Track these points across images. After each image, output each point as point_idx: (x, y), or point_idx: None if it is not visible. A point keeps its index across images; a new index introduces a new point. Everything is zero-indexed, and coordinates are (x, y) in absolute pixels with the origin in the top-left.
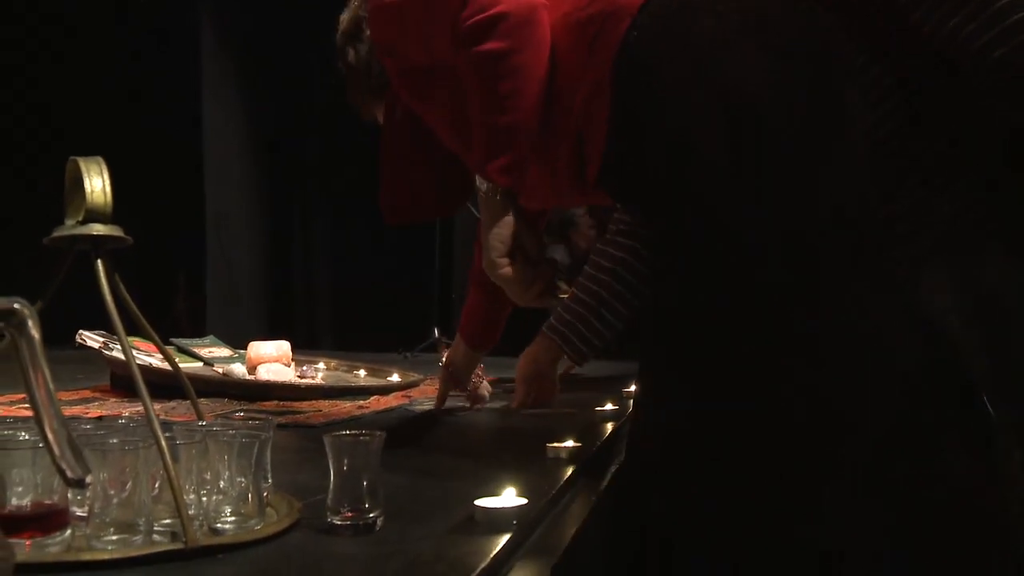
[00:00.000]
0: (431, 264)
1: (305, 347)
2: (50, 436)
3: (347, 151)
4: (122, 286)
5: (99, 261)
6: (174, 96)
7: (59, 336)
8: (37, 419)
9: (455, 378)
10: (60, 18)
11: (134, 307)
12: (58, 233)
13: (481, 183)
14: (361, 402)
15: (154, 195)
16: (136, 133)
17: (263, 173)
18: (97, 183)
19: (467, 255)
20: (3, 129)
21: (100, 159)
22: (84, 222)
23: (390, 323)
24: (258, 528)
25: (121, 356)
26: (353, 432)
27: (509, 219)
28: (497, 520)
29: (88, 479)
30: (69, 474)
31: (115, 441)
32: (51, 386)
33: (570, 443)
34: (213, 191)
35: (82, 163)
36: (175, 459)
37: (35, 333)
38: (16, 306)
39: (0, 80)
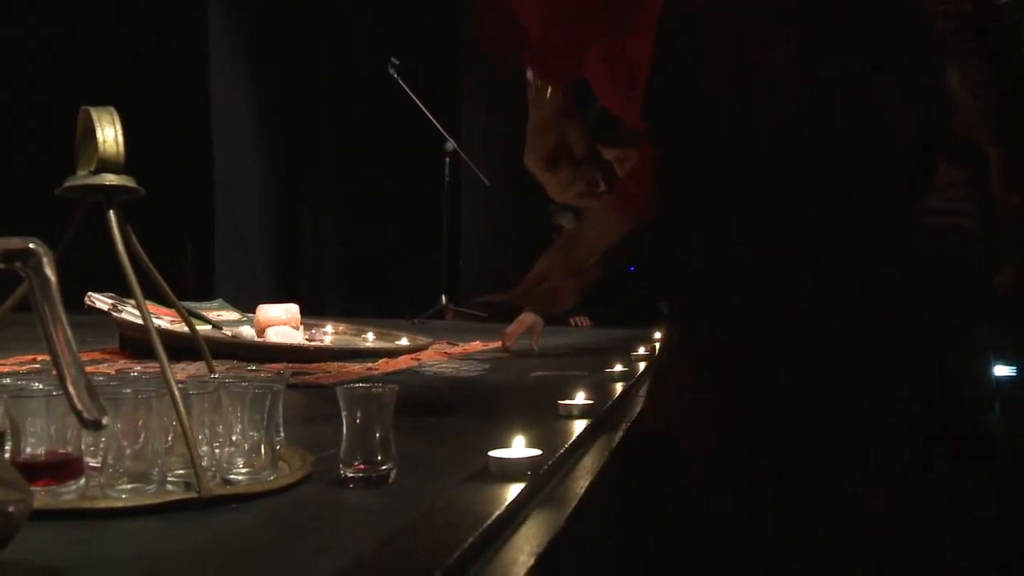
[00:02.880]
0: (439, 231)
1: (313, 314)
2: (67, 377)
3: (360, 116)
4: (135, 238)
5: (111, 212)
6: (182, 63)
7: (68, 300)
8: (54, 360)
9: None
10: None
11: (146, 259)
12: (70, 183)
13: (531, 76)
14: (370, 364)
15: (162, 161)
16: (144, 96)
17: (273, 142)
18: (109, 133)
19: (474, 222)
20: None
21: (112, 109)
22: (96, 172)
23: (398, 289)
24: (271, 479)
25: (131, 318)
26: (366, 384)
27: (554, 119)
28: (511, 470)
29: (105, 420)
30: (86, 415)
31: (128, 391)
32: (67, 328)
33: (582, 399)
34: (222, 158)
35: (94, 113)
36: (188, 411)
37: (51, 274)
38: (32, 246)
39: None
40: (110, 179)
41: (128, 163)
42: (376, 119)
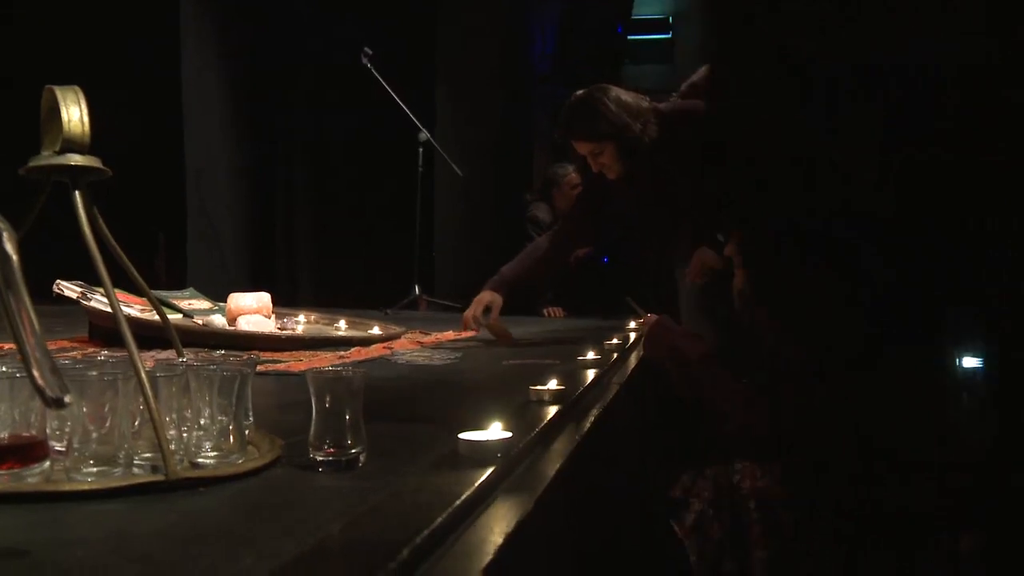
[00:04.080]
0: (412, 221)
1: (285, 304)
2: (29, 355)
3: (332, 106)
4: (101, 221)
5: (77, 193)
6: (152, 49)
7: (36, 289)
8: (16, 339)
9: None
10: None
11: (114, 242)
12: (34, 163)
13: None
14: (342, 352)
15: (132, 148)
16: (112, 80)
17: (244, 127)
18: (74, 112)
19: (448, 212)
20: None
21: (77, 88)
22: (61, 152)
23: (371, 279)
24: (239, 463)
25: (100, 307)
26: (335, 368)
27: None
28: (482, 452)
29: (67, 399)
30: (48, 393)
31: (94, 374)
32: (30, 306)
33: (553, 385)
34: (193, 146)
35: (58, 92)
36: (155, 394)
37: (12, 251)
38: None
39: None
40: (75, 159)
41: (96, 148)
42: (349, 109)
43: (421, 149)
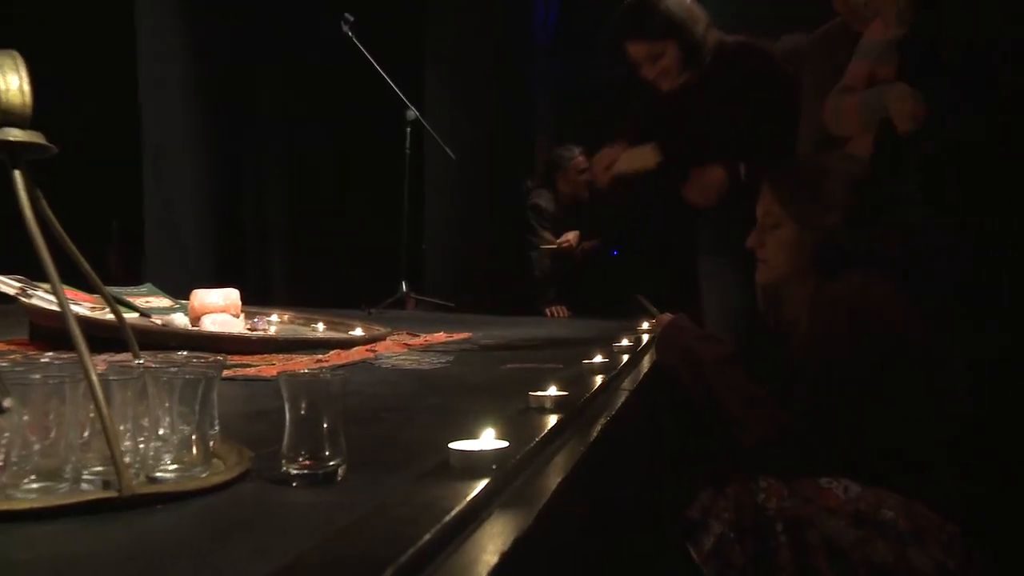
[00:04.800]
0: (399, 210)
1: (256, 301)
2: None
3: (307, 82)
4: (45, 203)
5: (17, 172)
6: (104, 9)
7: None
8: None
9: None
10: None
11: (60, 229)
12: None
13: None
14: (320, 356)
15: (82, 123)
16: (58, 45)
17: (209, 101)
18: (13, 80)
19: (439, 200)
20: None
21: (15, 53)
22: None
23: (353, 275)
24: (203, 477)
25: (43, 304)
26: (312, 371)
27: None
28: (475, 463)
29: (7, 403)
30: None
31: (37, 377)
32: None
33: (554, 391)
34: (151, 122)
35: None
36: (108, 400)
37: None
38: None
39: None
40: (14, 134)
41: (40, 122)
42: (328, 83)
43: (409, 129)
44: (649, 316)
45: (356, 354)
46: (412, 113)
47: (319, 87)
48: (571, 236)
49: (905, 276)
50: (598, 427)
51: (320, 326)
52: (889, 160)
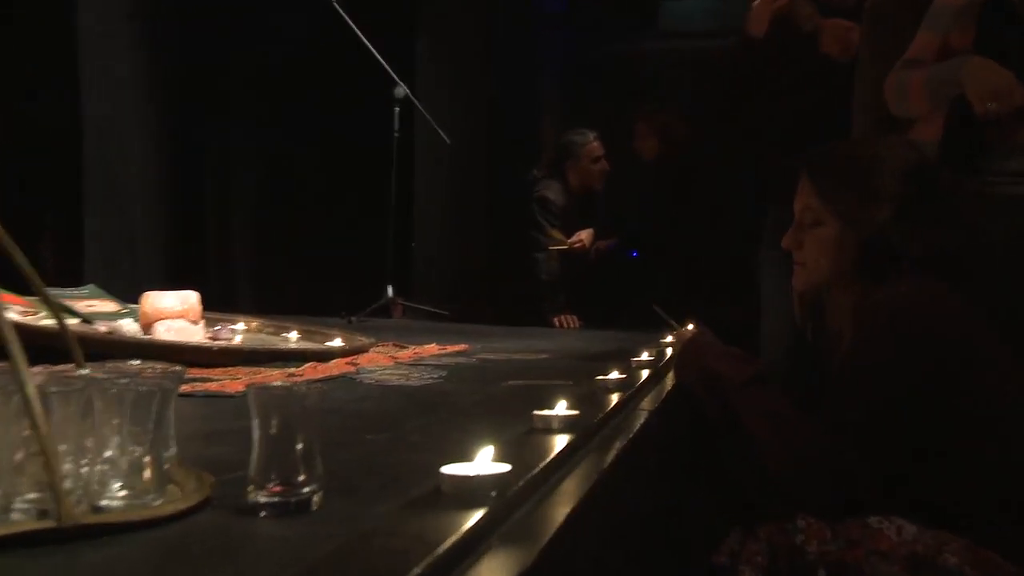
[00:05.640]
0: (386, 202)
1: (220, 306)
2: None
3: (282, 54)
4: None
5: None
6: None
7: None
8: None
9: None
10: None
11: None
12: None
13: None
14: (293, 369)
15: (11, 97)
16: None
17: (165, 74)
18: None
19: (431, 192)
20: None
21: None
22: None
23: (332, 277)
24: (157, 505)
25: None
26: (285, 384)
27: None
28: (471, 490)
29: None
30: None
31: None
32: None
33: (563, 410)
34: (93, 99)
35: None
36: (47, 417)
37: None
38: None
39: None
40: None
41: None
42: (307, 55)
43: (397, 109)
44: (670, 328)
45: (335, 367)
46: (401, 90)
47: (294, 70)
48: (584, 235)
49: (967, 281)
50: (613, 452)
51: (293, 335)
52: (964, 146)
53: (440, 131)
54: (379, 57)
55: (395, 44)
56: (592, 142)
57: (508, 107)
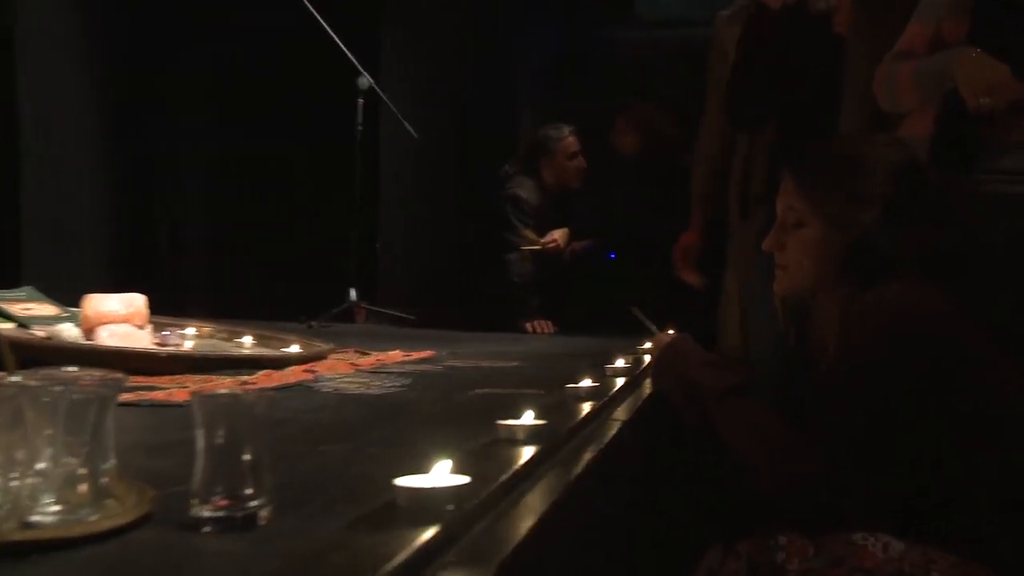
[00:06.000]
0: (348, 200)
1: (169, 310)
2: None
3: (237, 39)
4: None
5: None
6: None
7: None
8: None
9: None
10: None
11: None
12: None
13: None
14: (246, 377)
15: None
16: None
17: (110, 57)
18: None
19: (397, 189)
20: None
21: None
22: None
23: (290, 279)
24: (93, 520)
25: None
26: (232, 392)
27: None
28: (426, 503)
29: None
30: None
31: None
32: None
33: (529, 420)
34: (29, 77)
35: None
36: None
37: None
38: None
39: None
40: None
41: None
42: (263, 42)
43: (361, 101)
44: (649, 333)
45: (291, 375)
46: (365, 81)
47: (249, 63)
48: (558, 235)
49: (959, 283)
50: (581, 464)
51: (247, 341)
52: (956, 143)
53: (407, 125)
54: (341, 45)
55: (358, 32)
56: (568, 137)
57: (479, 99)
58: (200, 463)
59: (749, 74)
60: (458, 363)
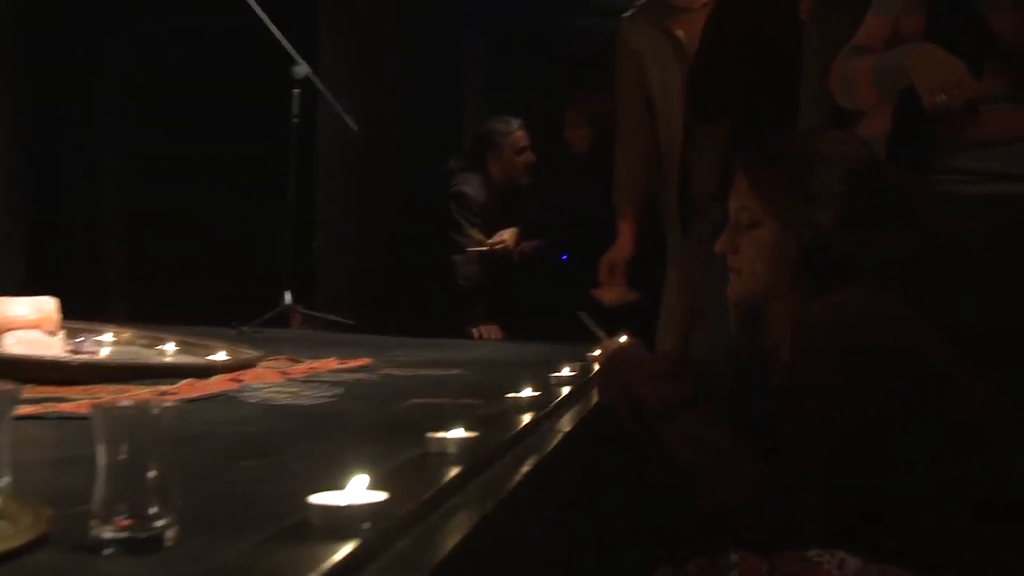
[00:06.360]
0: (282, 197)
1: (85, 315)
2: None
3: (159, 25)
4: None
5: None
6: None
7: None
8: None
9: None
10: None
11: None
12: None
13: None
14: (166, 387)
15: None
16: None
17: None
18: None
19: (335, 184)
20: None
21: None
22: None
23: (220, 281)
24: None
25: None
26: (136, 404)
27: None
28: (342, 522)
29: None
30: None
31: None
32: None
33: (460, 433)
34: None
35: None
36: None
37: None
38: None
39: None
40: None
41: None
42: (190, 26)
43: (297, 91)
44: (598, 339)
45: (215, 385)
46: (301, 69)
47: (177, 35)
48: (507, 235)
49: (917, 289)
50: (517, 478)
51: (170, 348)
52: (912, 142)
53: (346, 116)
54: (275, 30)
55: (293, 17)
56: (516, 131)
57: (423, 90)
58: (101, 480)
59: (714, 62)
60: (395, 371)
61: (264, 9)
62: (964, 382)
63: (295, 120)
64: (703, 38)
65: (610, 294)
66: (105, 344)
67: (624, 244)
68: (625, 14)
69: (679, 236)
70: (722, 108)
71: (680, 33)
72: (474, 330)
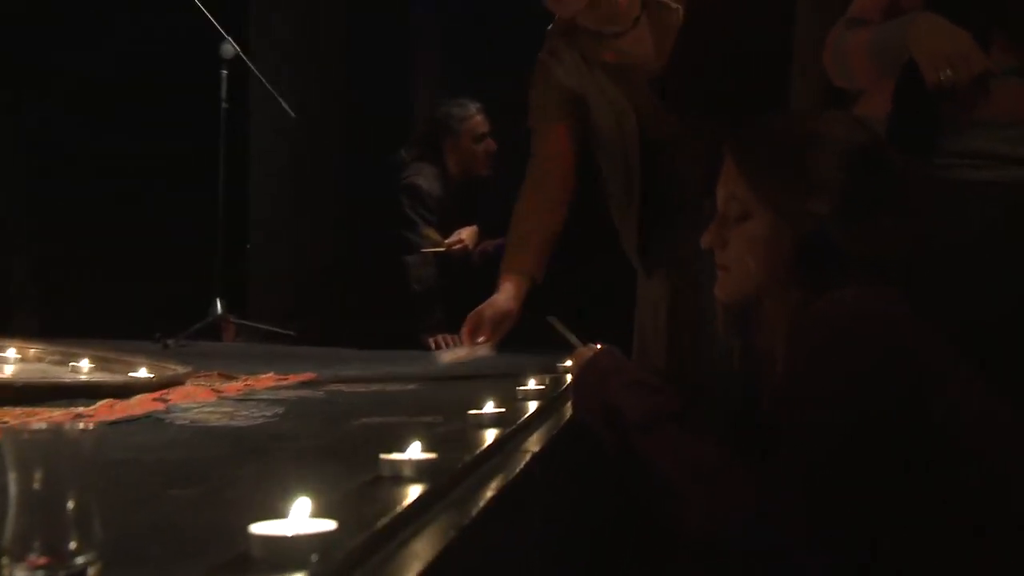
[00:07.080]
0: (212, 194)
1: None
2: None
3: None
4: None
5: None
6: None
7: None
8: None
9: None
10: None
11: None
12: None
13: None
14: (81, 409)
15: None
16: None
17: None
18: None
19: (270, 178)
20: None
21: None
22: None
23: (143, 291)
24: None
25: None
26: (53, 427)
27: None
28: (285, 553)
29: None
30: None
31: None
32: None
33: (418, 454)
34: None
35: None
36: None
37: None
38: None
39: None
40: None
41: None
42: (101, 14)
43: (225, 73)
44: (570, 348)
45: (138, 405)
46: (230, 49)
47: (88, 7)
48: (465, 233)
49: (922, 285)
50: (481, 503)
51: (85, 364)
52: (914, 123)
53: (282, 101)
54: (202, 6)
55: None
56: (475, 116)
57: (368, 70)
58: (12, 513)
59: (699, 65)
60: (343, 387)
61: None
62: (965, 382)
63: (224, 106)
64: (677, 49)
65: (450, 354)
66: (8, 361)
67: (502, 300)
68: (542, 52)
69: (640, 263)
70: (711, 107)
71: (610, 58)
72: (430, 340)
